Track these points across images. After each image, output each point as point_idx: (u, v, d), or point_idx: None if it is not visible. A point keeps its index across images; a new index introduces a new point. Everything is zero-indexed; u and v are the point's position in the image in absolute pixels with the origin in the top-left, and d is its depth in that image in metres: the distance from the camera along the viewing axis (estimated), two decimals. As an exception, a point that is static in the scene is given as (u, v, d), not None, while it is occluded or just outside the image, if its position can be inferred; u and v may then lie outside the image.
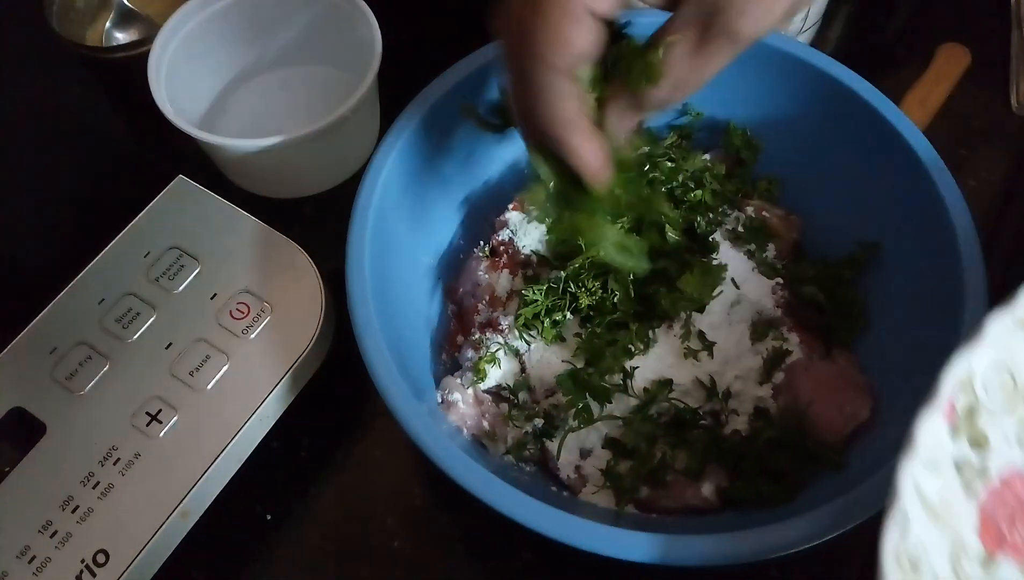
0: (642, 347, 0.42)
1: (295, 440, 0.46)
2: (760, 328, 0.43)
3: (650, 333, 0.42)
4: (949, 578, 0.29)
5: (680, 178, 0.47)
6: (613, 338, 0.42)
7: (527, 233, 0.47)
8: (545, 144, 0.35)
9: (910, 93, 0.57)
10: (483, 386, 0.43)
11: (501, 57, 0.35)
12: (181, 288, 0.45)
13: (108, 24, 0.58)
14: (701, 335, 0.42)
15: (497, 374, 0.43)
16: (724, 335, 0.43)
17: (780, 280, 0.44)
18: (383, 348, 0.38)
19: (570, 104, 0.33)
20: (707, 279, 0.42)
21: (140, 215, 0.47)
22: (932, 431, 0.30)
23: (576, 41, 0.32)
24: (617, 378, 0.42)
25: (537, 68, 0.32)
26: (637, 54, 0.33)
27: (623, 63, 0.34)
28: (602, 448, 0.41)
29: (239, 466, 0.42)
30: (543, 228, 0.46)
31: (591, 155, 0.35)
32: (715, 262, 0.44)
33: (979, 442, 0.31)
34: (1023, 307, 0.32)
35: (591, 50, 0.33)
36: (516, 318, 0.43)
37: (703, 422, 0.41)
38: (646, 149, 0.49)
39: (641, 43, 0.34)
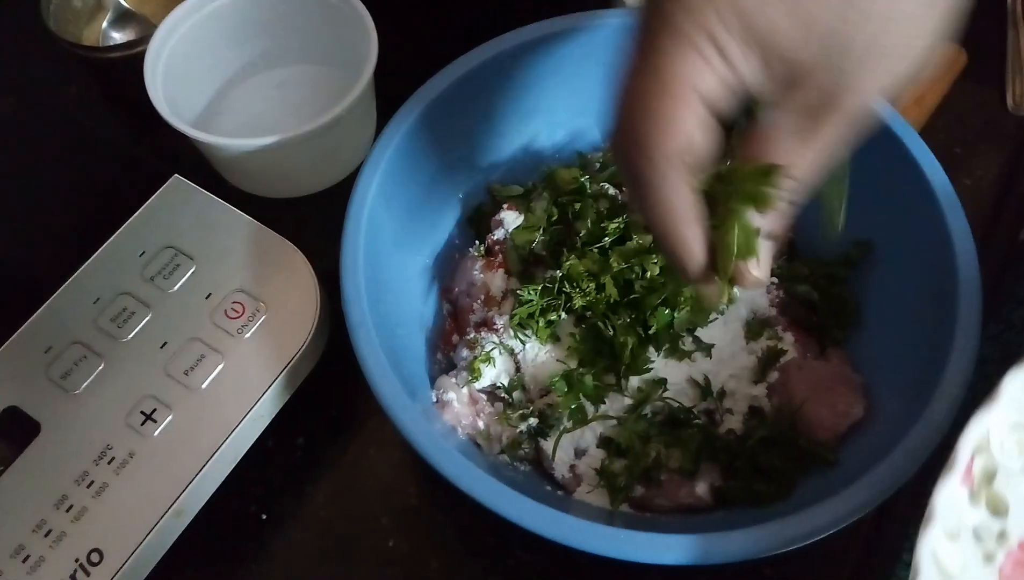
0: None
1: (290, 439, 0.46)
2: (754, 327, 0.43)
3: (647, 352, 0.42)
4: None
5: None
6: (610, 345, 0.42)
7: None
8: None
9: (906, 93, 0.57)
10: (478, 385, 0.43)
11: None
12: (176, 287, 0.45)
13: (105, 24, 0.58)
14: (696, 340, 0.42)
15: (492, 373, 0.43)
16: (718, 334, 0.43)
17: (774, 279, 0.44)
18: (377, 347, 0.38)
19: (674, 195, 0.29)
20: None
21: (135, 214, 0.47)
22: (950, 498, 0.30)
23: (680, 123, 0.27)
24: (611, 378, 0.42)
25: (639, 152, 0.28)
26: (747, 177, 0.29)
27: (731, 182, 0.30)
28: (596, 447, 0.41)
29: (234, 465, 0.43)
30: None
31: (692, 251, 0.30)
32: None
33: (998, 508, 0.30)
34: None
35: (699, 139, 0.28)
36: (511, 317, 0.43)
37: (697, 421, 0.41)
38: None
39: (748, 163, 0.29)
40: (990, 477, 0.31)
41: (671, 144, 0.28)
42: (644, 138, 0.28)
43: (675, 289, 0.41)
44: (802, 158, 0.29)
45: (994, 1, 0.62)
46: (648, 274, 0.42)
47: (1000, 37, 0.61)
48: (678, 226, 0.30)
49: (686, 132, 0.28)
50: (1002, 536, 0.30)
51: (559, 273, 0.43)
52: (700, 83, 0.27)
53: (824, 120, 0.28)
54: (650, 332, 0.42)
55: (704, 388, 0.42)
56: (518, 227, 0.46)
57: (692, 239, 0.30)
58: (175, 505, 0.40)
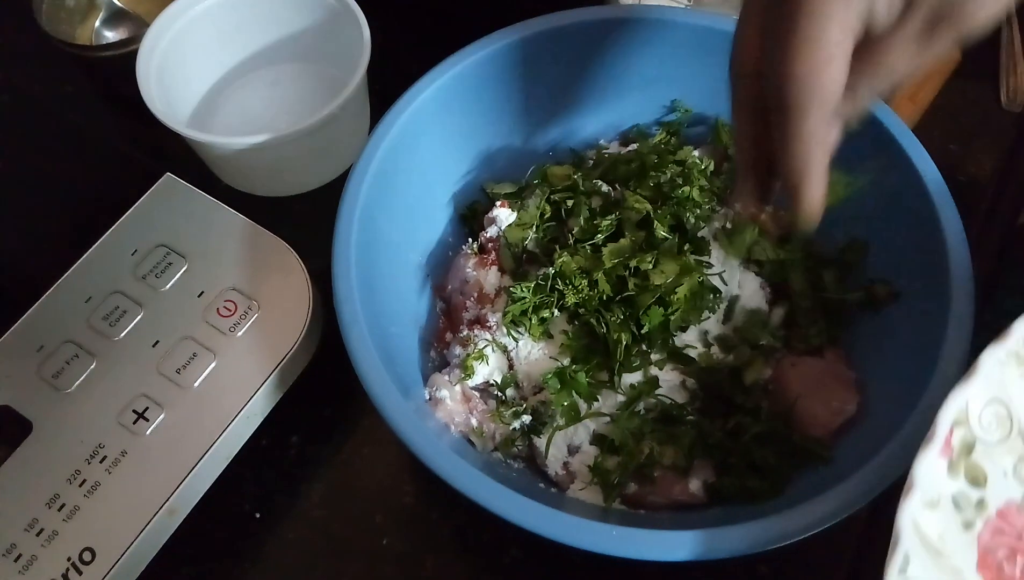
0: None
1: (283, 438, 0.46)
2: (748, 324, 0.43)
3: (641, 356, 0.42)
4: None
5: (668, 174, 0.47)
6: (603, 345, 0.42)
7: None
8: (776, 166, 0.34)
9: (901, 89, 0.57)
10: (471, 383, 0.43)
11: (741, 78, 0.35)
12: (168, 286, 0.45)
13: (98, 23, 0.58)
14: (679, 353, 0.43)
15: (485, 371, 0.43)
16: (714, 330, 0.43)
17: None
18: (369, 345, 0.38)
19: (823, 127, 0.32)
20: (684, 272, 0.42)
21: (128, 213, 0.47)
22: (930, 469, 0.30)
23: (836, 62, 0.30)
24: (604, 375, 0.42)
25: (799, 87, 0.30)
26: None
27: None
28: (590, 444, 0.41)
29: (227, 464, 0.42)
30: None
31: (817, 196, 0.34)
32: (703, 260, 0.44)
33: (977, 479, 0.31)
34: (1015, 339, 0.32)
35: (842, 75, 0.31)
36: (504, 315, 0.43)
37: (690, 418, 0.41)
38: (635, 146, 0.50)
39: None
40: (968, 449, 0.31)
41: (828, 82, 0.30)
42: (806, 74, 0.30)
43: (669, 286, 0.41)
44: (910, 63, 0.31)
45: None
46: (641, 269, 0.42)
47: (994, 35, 0.61)
48: (820, 155, 0.33)
49: (840, 70, 0.30)
50: (980, 505, 0.31)
51: (552, 270, 0.43)
52: (849, 20, 0.30)
53: (939, 34, 0.30)
54: (643, 330, 0.42)
55: (693, 391, 0.42)
56: (511, 224, 0.46)
57: (824, 168, 0.33)
58: (168, 504, 0.40)
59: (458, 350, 0.44)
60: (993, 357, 0.32)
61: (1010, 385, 0.32)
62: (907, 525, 0.30)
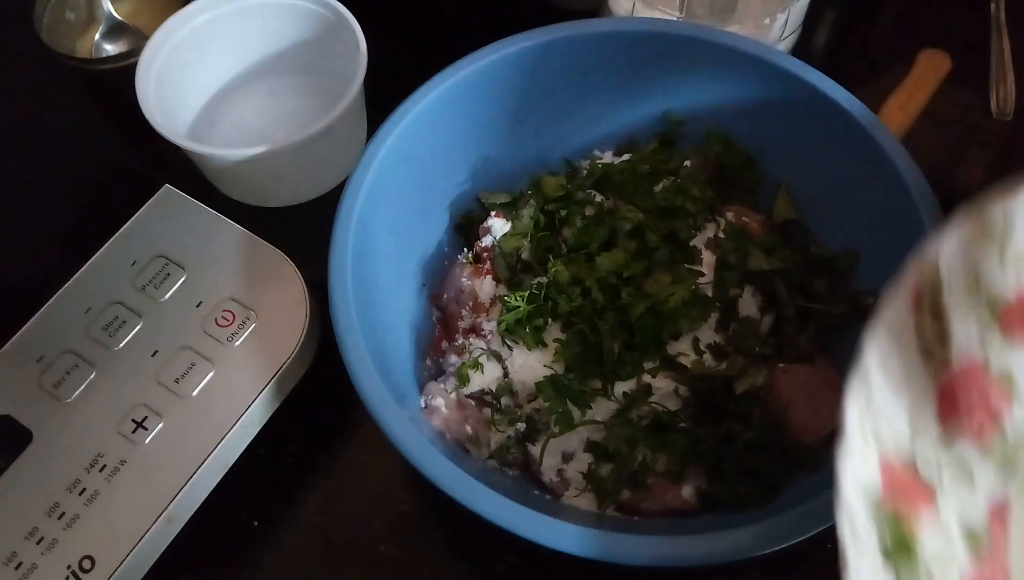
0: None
1: (281, 446, 0.47)
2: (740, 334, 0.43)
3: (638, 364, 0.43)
4: (907, 438, 0.31)
5: (661, 184, 0.47)
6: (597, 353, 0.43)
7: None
8: None
9: (891, 98, 0.58)
10: (466, 391, 0.43)
11: None
12: (167, 296, 0.45)
13: (97, 36, 0.59)
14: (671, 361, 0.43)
15: (480, 379, 0.44)
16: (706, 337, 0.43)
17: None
18: (365, 354, 0.39)
19: None
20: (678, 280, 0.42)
21: (127, 224, 0.48)
22: (897, 308, 0.32)
23: None
24: (597, 383, 0.42)
25: None
26: None
27: None
28: (584, 452, 0.42)
29: (225, 472, 0.43)
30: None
31: None
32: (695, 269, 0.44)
33: (941, 334, 0.32)
34: (986, 212, 0.32)
35: None
36: (499, 324, 0.44)
37: (682, 425, 0.42)
38: (628, 156, 0.50)
39: None
40: (937, 305, 0.32)
41: None
42: None
43: (662, 295, 0.42)
44: None
45: (978, 7, 0.63)
46: (634, 278, 0.42)
47: (984, 44, 0.61)
48: None
49: None
50: (944, 359, 0.32)
51: (546, 279, 0.44)
52: None
53: None
54: (636, 338, 0.42)
55: (686, 398, 0.42)
56: (506, 234, 0.47)
57: None
58: (166, 512, 0.40)
59: (453, 358, 0.45)
60: (965, 225, 0.32)
61: (975, 246, 0.32)
62: (873, 362, 0.31)
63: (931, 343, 0.32)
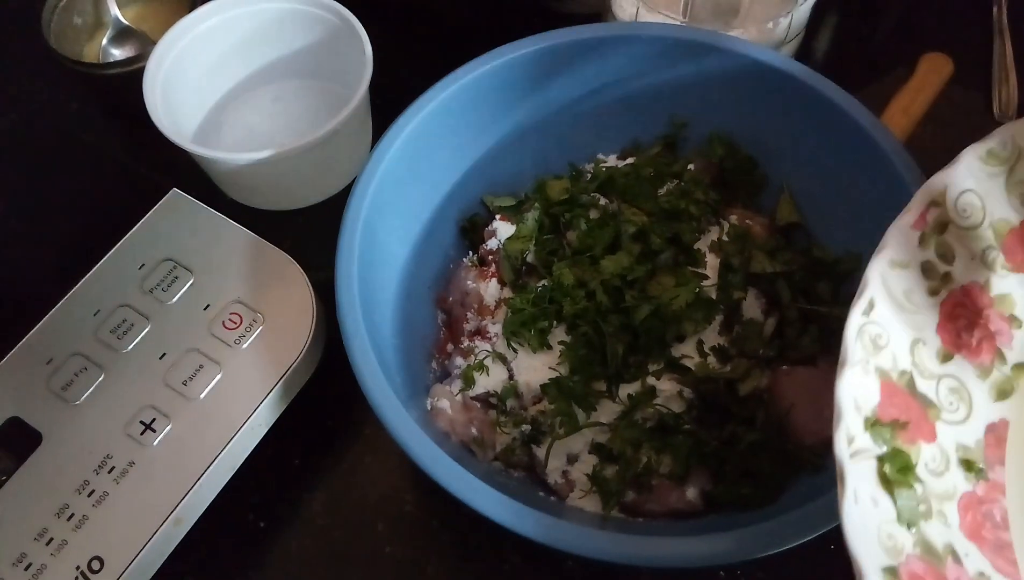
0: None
1: (287, 448, 0.47)
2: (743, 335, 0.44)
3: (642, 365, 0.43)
4: (907, 362, 0.31)
5: (665, 187, 0.47)
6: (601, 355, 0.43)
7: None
8: None
9: (893, 101, 0.58)
10: (472, 393, 0.44)
11: None
12: (175, 299, 0.46)
13: (104, 41, 0.59)
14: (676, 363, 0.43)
15: (486, 381, 0.44)
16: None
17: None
18: (371, 356, 0.39)
19: None
20: (681, 283, 0.43)
21: (135, 228, 0.48)
22: (902, 235, 0.32)
23: None
24: (602, 385, 0.42)
25: None
26: None
27: None
28: (588, 453, 0.42)
29: (232, 474, 0.43)
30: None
31: None
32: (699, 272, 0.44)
33: (945, 254, 0.32)
34: (995, 140, 0.34)
35: None
36: (504, 326, 0.44)
37: (686, 427, 0.42)
38: (632, 159, 0.51)
39: None
40: (941, 227, 0.33)
41: None
42: None
43: (666, 298, 0.42)
44: None
45: (980, 10, 0.63)
46: (638, 281, 0.43)
47: (987, 48, 0.62)
48: None
49: None
50: (947, 278, 0.32)
51: (550, 282, 0.44)
52: None
53: None
54: (640, 341, 0.42)
55: (690, 400, 0.42)
56: (511, 237, 0.47)
57: None
58: (174, 513, 0.40)
59: (459, 361, 0.45)
60: (973, 152, 0.33)
61: (986, 180, 0.33)
62: (875, 276, 0.31)
63: (934, 261, 0.32)
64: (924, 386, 0.31)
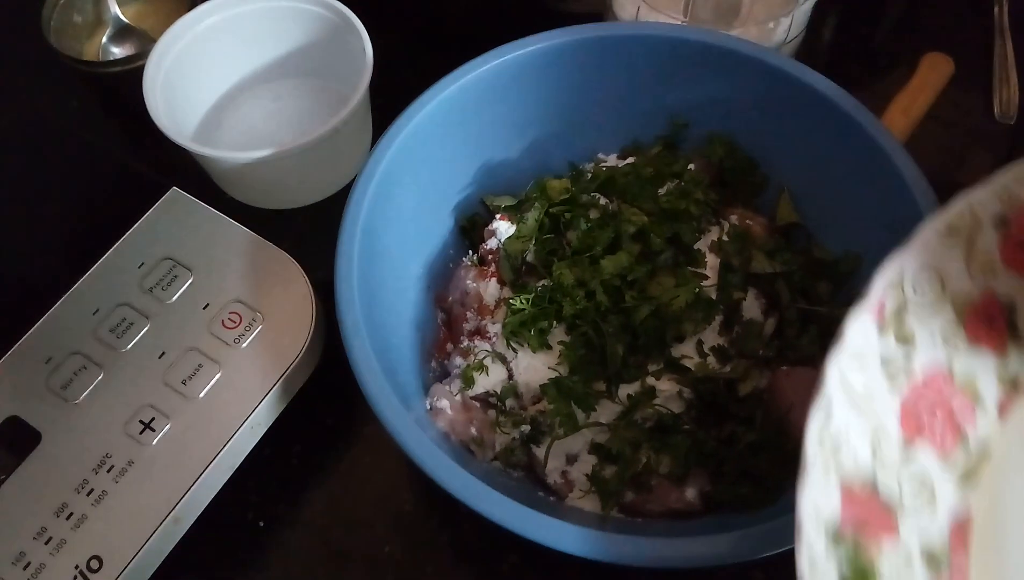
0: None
1: (287, 447, 0.47)
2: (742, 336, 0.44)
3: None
4: (868, 461, 0.30)
5: (665, 187, 0.47)
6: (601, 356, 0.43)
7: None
8: None
9: (894, 101, 0.58)
10: (471, 393, 0.43)
11: None
12: (174, 298, 0.46)
13: (104, 39, 0.59)
14: (675, 363, 0.43)
15: (485, 381, 0.44)
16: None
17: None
18: (371, 356, 0.39)
19: None
20: (681, 283, 0.43)
21: (134, 226, 0.48)
22: (861, 328, 0.31)
23: None
24: (601, 385, 0.42)
25: None
26: None
27: None
28: (588, 453, 0.42)
29: (231, 473, 0.43)
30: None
31: None
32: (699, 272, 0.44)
33: (905, 339, 0.32)
34: (952, 213, 0.33)
35: None
36: (503, 326, 0.44)
37: (685, 427, 0.42)
38: (632, 159, 0.51)
39: None
40: (900, 313, 0.32)
41: None
42: None
43: (665, 298, 0.42)
44: None
45: (981, 10, 0.63)
46: (638, 281, 0.43)
47: (987, 48, 0.62)
48: None
49: None
50: (907, 368, 0.32)
51: (550, 282, 0.44)
52: None
53: None
54: (640, 341, 0.42)
55: (689, 400, 0.42)
56: (511, 237, 0.47)
57: None
58: (173, 512, 0.40)
59: (458, 361, 0.45)
60: (930, 229, 0.32)
61: (945, 257, 0.33)
62: (833, 375, 0.30)
63: (893, 349, 0.32)
64: (887, 490, 0.30)
